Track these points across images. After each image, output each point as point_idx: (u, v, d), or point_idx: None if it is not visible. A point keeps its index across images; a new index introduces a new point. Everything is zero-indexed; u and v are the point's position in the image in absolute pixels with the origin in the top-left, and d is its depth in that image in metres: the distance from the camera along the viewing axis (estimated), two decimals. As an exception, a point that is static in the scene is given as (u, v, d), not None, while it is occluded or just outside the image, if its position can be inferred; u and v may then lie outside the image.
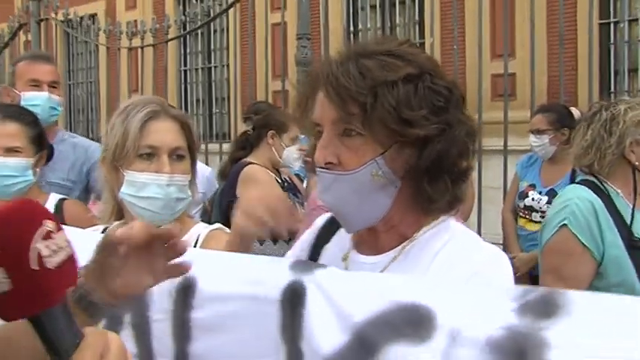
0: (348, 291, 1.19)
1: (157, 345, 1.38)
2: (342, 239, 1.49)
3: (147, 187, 1.72)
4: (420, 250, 1.35)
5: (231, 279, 1.33)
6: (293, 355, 1.23)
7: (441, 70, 1.36)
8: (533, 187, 4.04)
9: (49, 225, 0.84)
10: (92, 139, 3.66)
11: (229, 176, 3.66)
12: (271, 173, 3.63)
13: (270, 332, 1.26)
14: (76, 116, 11.86)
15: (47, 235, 0.83)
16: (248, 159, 3.65)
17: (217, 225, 1.92)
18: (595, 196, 2.25)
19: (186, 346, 1.35)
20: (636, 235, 2.19)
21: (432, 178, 1.30)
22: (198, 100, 11.69)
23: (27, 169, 2.42)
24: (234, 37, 6.23)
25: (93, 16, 9.26)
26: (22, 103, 3.00)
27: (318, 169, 1.34)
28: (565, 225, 2.23)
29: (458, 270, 1.29)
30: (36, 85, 3.13)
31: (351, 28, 10.28)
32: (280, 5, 5.77)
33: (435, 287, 1.17)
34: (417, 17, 9.51)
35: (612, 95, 7.62)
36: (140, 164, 1.73)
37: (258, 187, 3.46)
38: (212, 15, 6.01)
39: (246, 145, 3.78)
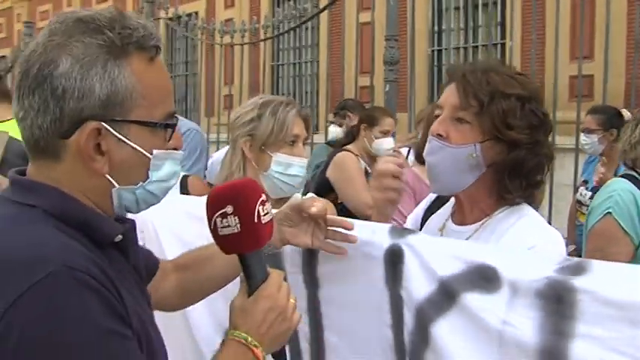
0: (434, 252, 1.51)
1: (293, 290, 1.71)
2: (443, 214, 1.90)
3: (291, 167, 2.21)
4: (496, 225, 1.74)
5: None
6: (394, 299, 1.55)
7: (541, 98, 1.76)
8: (585, 182, 4.38)
9: (263, 196, 1.33)
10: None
11: (326, 160, 4.27)
12: (362, 161, 4.21)
13: (376, 282, 1.57)
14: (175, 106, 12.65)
15: (263, 202, 1.31)
16: (349, 147, 4.28)
17: (310, 194, 2.42)
18: (636, 188, 2.58)
19: (317, 291, 1.69)
20: None
21: (512, 175, 1.69)
22: (288, 94, 12.14)
23: None
24: (326, 34, 6.60)
25: (195, 14, 9.90)
26: None
27: (431, 137, 1.73)
28: (609, 213, 2.57)
29: (522, 242, 1.66)
30: None
31: (436, 29, 10.57)
32: (370, 5, 6.10)
33: (500, 251, 1.51)
34: (499, 18, 9.68)
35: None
36: (286, 149, 2.22)
37: (344, 171, 4.01)
38: (305, 15, 6.38)
39: (349, 136, 4.44)
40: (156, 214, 1.85)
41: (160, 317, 1.35)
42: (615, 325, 1.23)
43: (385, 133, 4.29)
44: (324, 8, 6.16)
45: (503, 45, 9.35)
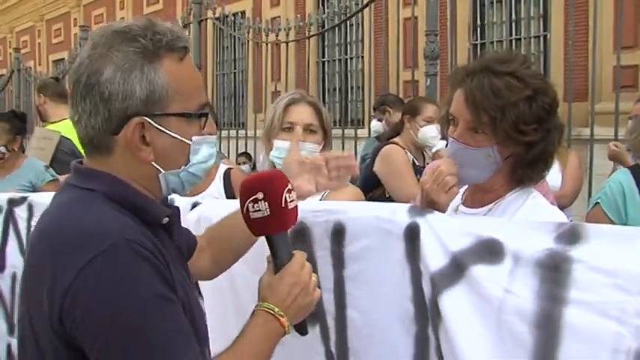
0: (447, 228, 1.62)
1: (320, 272, 1.76)
2: (457, 199, 2.05)
3: (285, 150, 2.36)
4: (507, 205, 1.90)
5: (371, 221, 1.76)
6: (414, 273, 1.66)
7: (547, 86, 1.83)
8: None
9: (289, 185, 1.49)
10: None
11: (372, 154, 4.39)
12: (409, 153, 4.22)
13: (398, 258, 1.69)
14: (222, 103, 12.86)
15: (289, 190, 1.48)
16: (395, 139, 4.30)
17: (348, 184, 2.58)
18: (629, 177, 2.67)
19: (342, 271, 1.81)
20: None
21: (533, 165, 1.86)
22: (335, 89, 12.35)
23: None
24: (369, 30, 6.70)
25: (242, 13, 10.12)
26: None
27: (452, 138, 1.87)
28: (598, 203, 2.71)
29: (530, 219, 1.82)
30: None
31: (478, 22, 10.59)
32: (411, 1, 6.23)
33: (503, 226, 1.61)
34: (541, 11, 9.65)
35: None
36: (283, 135, 2.40)
37: (390, 164, 4.11)
38: (349, 12, 6.51)
39: (395, 130, 4.48)
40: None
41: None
42: (605, 290, 1.34)
43: (429, 121, 4.24)
44: (366, 5, 6.29)
45: (545, 37, 9.35)
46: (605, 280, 1.35)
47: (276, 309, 1.42)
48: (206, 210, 2.16)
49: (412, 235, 1.67)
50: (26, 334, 1.32)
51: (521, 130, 1.77)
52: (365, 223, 1.77)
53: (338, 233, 1.81)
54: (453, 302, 1.55)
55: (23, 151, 4.58)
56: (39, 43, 23.28)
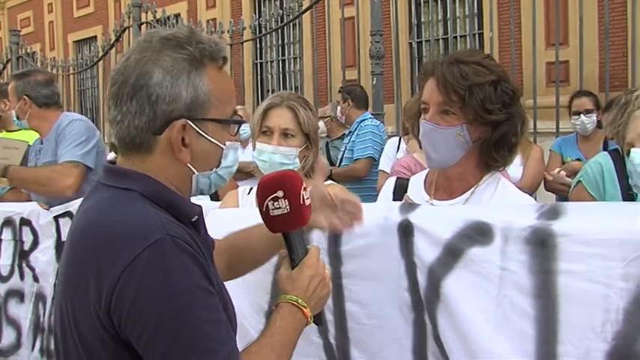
0: (437, 219, 1.74)
1: None
2: (417, 192, 2.14)
3: (262, 153, 2.44)
4: (482, 193, 2.03)
5: (366, 221, 1.77)
6: (409, 266, 1.76)
7: (508, 77, 2.02)
8: (579, 160, 4.64)
9: (304, 185, 1.57)
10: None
11: None
12: None
13: (393, 253, 1.78)
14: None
15: (304, 188, 1.56)
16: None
17: (329, 181, 2.67)
18: (608, 160, 2.84)
19: (340, 267, 1.89)
20: (633, 190, 2.78)
21: (498, 148, 1.98)
22: (272, 91, 12.22)
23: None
24: (310, 31, 6.76)
25: (177, 16, 10.03)
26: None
27: (424, 121, 1.99)
28: (580, 181, 2.89)
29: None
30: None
31: (415, 21, 10.84)
32: (352, 2, 6.40)
33: (490, 209, 1.80)
34: (476, 10, 9.97)
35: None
36: (262, 138, 2.46)
37: None
38: (290, 14, 6.55)
39: None
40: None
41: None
42: (590, 260, 1.51)
43: None
44: (311, 6, 6.36)
45: (481, 35, 9.62)
46: (589, 251, 1.52)
47: (300, 300, 1.48)
48: (217, 218, 2.19)
49: (406, 231, 1.77)
50: (66, 326, 1.36)
51: (487, 109, 1.91)
52: (366, 220, 1.82)
53: (335, 235, 1.89)
54: (455, 286, 1.66)
55: None
56: (-40, 49, 22.43)
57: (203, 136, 1.40)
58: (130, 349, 1.28)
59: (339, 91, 5.87)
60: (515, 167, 4.50)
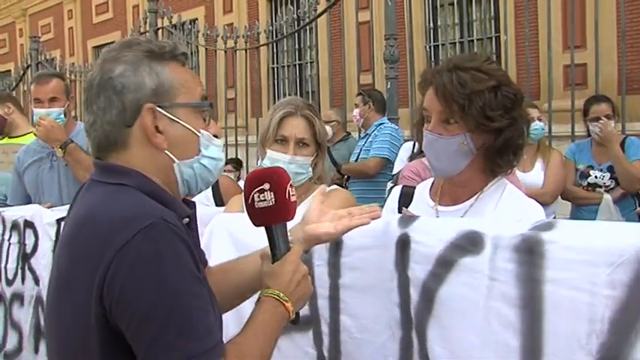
0: (433, 231, 1.71)
1: (317, 280, 1.88)
2: (421, 201, 2.14)
3: (277, 162, 2.41)
4: (488, 199, 2.01)
5: (367, 233, 1.79)
6: (402, 280, 1.74)
7: (510, 80, 1.99)
8: (591, 167, 4.59)
9: (291, 182, 1.57)
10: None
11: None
12: None
13: (388, 266, 1.76)
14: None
15: (291, 185, 1.56)
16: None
17: (334, 186, 2.66)
18: None
19: (338, 280, 1.89)
20: None
21: (502, 153, 1.96)
22: (289, 95, 12.44)
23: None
24: (327, 35, 6.76)
25: (193, 21, 10.06)
26: (34, 119, 3.70)
27: (426, 131, 1.98)
28: None
29: (511, 214, 1.94)
30: (39, 102, 3.66)
31: (431, 25, 10.83)
32: (367, 6, 6.32)
33: (483, 220, 1.78)
34: (492, 13, 9.94)
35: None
36: (275, 146, 2.46)
37: None
38: (304, 18, 6.58)
39: None
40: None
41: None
42: (576, 266, 1.45)
43: None
44: (324, 11, 6.36)
45: (497, 38, 9.57)
46: (575, 257, 1.46)
47: (281, 294, 1.47)
48: (221, 223, 2.20)
49: (403, 245, 1.75)
50: (53, 327, 1.39)
51: (488, 116, 1.87)
52: (361, 236, 1.83)
53: (336, 245, 1.90)
54: (446, 298, 1.63)
55: None
56: (-18, 55, 22.74)
57: (175, 121, 1.43)
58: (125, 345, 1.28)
59: (360, 94, 5.87)
60: (537, 173, 4.50)
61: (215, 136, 1.54)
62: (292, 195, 1.56)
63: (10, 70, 16.94)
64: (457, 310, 1.61)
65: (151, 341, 1.24)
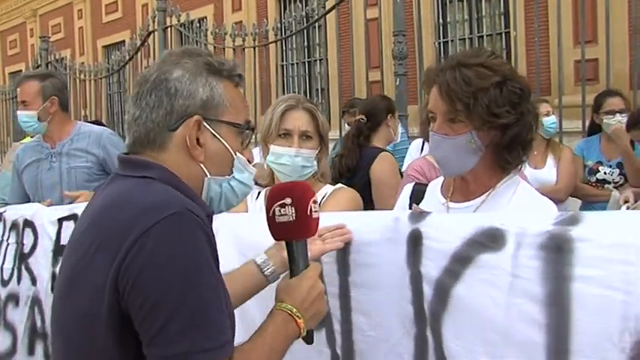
0: (448, 227, 1.69)
1: (327, 278, 1.83)
2: (432, 198, 2.11)
3: (282, 157, 2.41)
4: (500, 196, 1.97)
5: (376, 230, 1.82)
6: (414, 277, 1.72)
7: (516, 74, 1.95)
8: (600, 163, 4.53)
9: (315, 198, 1.58)
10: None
11: (363, 157, 4.21)
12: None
13: (399, 264, 1.74)
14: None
15: (314, 201, 1.57)
16: (374, 142, 4.25)
17: (339, 185, 2.61)
18: None
19: (347, 277, 1.87)
20: None
21: (511, 149, 1.92)
22: (298, 93, 12.40)
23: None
24: (336, 32, 6.76)
25: (201, 20, 10.09)
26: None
27: (432, 132, 1.95)
28: None
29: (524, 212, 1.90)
30: (22, 103, 3.63)
31: (440, 21, 10.75)
32: (375, 1, 6.30)
33: (505, 215, 1.73)
34: (502, 9, 9.85)
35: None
36: (279, 141, 2.44)
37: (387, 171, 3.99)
38: (313, 16, 6.58)
39: (363, 131, 4.39)
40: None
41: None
42: (607, 264, 1.43)
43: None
44: (332, 8, 6.33)
45: (507, 34, 9.50)
46: (606, 255, 1.44)
47: (294, 310, 1.46)
48: (226, 223, 2.17)
49: (415, 241, 1.73)
50: (60, 326, 1.39)
51: (494, 113, 1.83)
52: (369, 232, 1.84)
53: (345, 242, 1.87)
54: (462, 295, 1.61)
55: None
56: (-7, 55, 22.87)
57: (216, 137, 1.44)
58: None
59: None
60: (550, 169, 4.46)
61: (248, 161, 1.53)
62: (315, 211, 1.55)
63: (20, 70, 16.96)
64: (475, 306, 1.59)
65: (159, 328, 1.23)
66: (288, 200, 1.52)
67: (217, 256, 1.35)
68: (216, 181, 1.47)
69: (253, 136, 2.67)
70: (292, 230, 1.54)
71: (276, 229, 1.55)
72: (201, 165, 1.44)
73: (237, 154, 1.49)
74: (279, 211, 1.53)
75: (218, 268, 1.34)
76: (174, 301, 1.23)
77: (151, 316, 1.23)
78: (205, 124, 1.42)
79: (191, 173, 1.43)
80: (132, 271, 1.24)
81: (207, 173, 1.45)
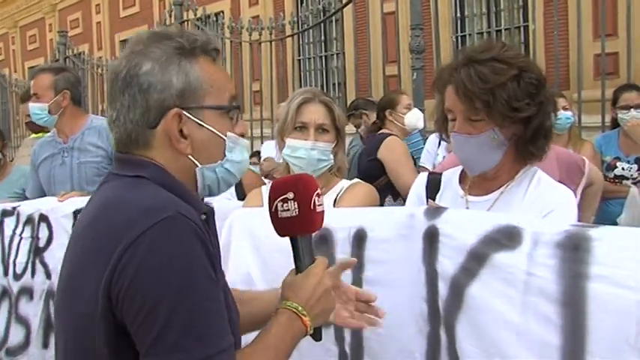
0: (465, 224, 1.65)
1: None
2: (450, 190, 2.09)
3: (298, 150, 2.40)
4: (517, 188, 1.97)
5: (391, 226, 1.80)
6: (430, 274, 1.69)
7: (530, 64, 1.91)
8: (618, 159, 4.48)
9: (318, 191, 1.51)
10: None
11: (369, 142, 4.46)
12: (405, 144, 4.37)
13: (414, 260, 1.72)
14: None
15: (318, 194, 1.49)
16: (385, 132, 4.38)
17: (356, 180, 2.61)
18: None
19: (362, 274, 1.84)
20: None
21: (534, 140, 1.90)
22: (315, 87, 12.44)
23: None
24: (353, 26, 6.73)
25: (218, 14, 10.09)
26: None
27: (454, 133, 1.92)
28: None
29: (542, 203, 1.91)
30: (34, 96, 3.65)
31: (458, 15, 10.64)
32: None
33: (521, 215, 1.72)
34: (520, 2, 9.72)
35: None
36: (295, 134, 2.43)
37: (394, 152, 4.18)
38: (330, 9, 6.53)
39: (376, 127, 4.59)
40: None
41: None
42: (624, 263, 1.41)
43: (409, 108, 4.56)
44: (349, 1, 6.29)
45: (525, 27, 9.41)
46: (623, 254, 1.42)
47: (300, 308, 1.41)
48: (240, 218, 2.17)
49: (431, 237, 1.70)
50: (61, 320, 1.37)
51: (515, 108, 1.82)
52: (385, 229, 1.82)
53: (360, 239, 1.86)
54: (478, 294, 1.58)
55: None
56: (13, 50, 23.05)
57: (201, 125, 1.37)
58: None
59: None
60: None
61: (242, 135, 1.48)
62: (319, 205, 1.49)
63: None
64: (489, 305, 1.57)
65: (155, 337, 1.19)
66: (290, 195, 1.47)
67: (217, 256, 1.31)
68: (209, 169, 1.41)
69: (270, 128, 2.65)
70: (296, 225, 1.48)
71: (279, 224, 1.50)
72: (190, 157, 1.38)
73: (227, 134, 1.42)
74: (282, 206, 1.48)
75: (219, 268, 1.30)
76: (169, 308, 1.19)
77: (146, 324, 1.20)
78: (186, 113, 1.35)
79: (182, 167, 1.38)
80: (124, 280, 1.20)
81: (198, 164, 1.39)
